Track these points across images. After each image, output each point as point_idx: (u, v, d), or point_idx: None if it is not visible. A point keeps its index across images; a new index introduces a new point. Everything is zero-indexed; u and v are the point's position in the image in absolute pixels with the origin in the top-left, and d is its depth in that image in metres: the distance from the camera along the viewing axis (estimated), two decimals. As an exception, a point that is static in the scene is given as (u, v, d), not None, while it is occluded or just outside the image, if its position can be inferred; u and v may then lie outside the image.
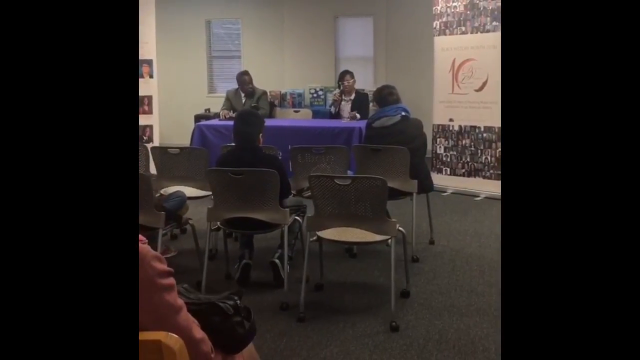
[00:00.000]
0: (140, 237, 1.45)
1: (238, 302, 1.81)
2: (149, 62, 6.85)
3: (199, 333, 1.49)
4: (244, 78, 6.63)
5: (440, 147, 6.43)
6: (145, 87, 6.78)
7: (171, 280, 1.43)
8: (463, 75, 6.15)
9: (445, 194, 6.16)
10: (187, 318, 1.47)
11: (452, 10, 6.23)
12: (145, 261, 1.35)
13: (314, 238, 3.36)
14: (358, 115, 6.28)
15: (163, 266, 1.40)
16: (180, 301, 1.46)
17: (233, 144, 3.84)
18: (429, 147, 5.38)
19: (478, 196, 6.01)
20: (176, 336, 1.35)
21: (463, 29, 6.15)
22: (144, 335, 1.34)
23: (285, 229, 3.48)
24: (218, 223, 3.63)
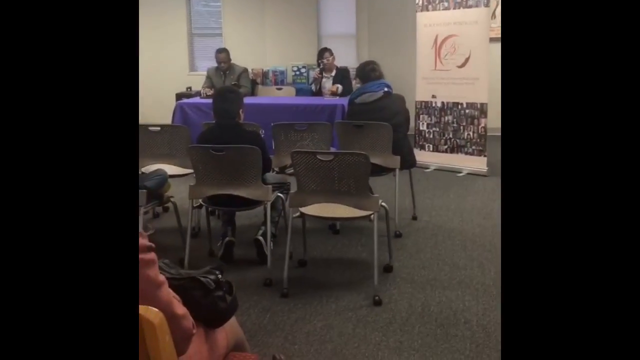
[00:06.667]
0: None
1: (219, 276, 1.80)
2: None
3: (180, 309, 1.48)
4: (218, 56, 6.62)
5: (423, 123, 6.44)
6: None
7: (152, 256, 1.41)
8: (445, 52, 6.13)
9: (428, 170, 6.18)
10: (168, 293, 1.46)
11: (435, -14, 6.19)
12: None
13: (297, 214, 3.36)
14: (340, 87, 6.25)
15: (144, 241, 1.39)
16: (161, 277, 1.45)
17: (214, 122, 3.81)
18: (412, 123, 5.39)
19: (460, 172, 6.04)
20: (156, 310, 1.34)
21: (446, 4, 6.12)
22: (123, 310, 1.34)
23: (268, 205, 3.47)
24: (200, 200, 3.61)
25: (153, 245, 1.43)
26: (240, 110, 3.61)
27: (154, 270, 1.42)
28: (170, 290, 1.53)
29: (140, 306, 1.34)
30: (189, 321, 1.50)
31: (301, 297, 3.21)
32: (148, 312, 1.32)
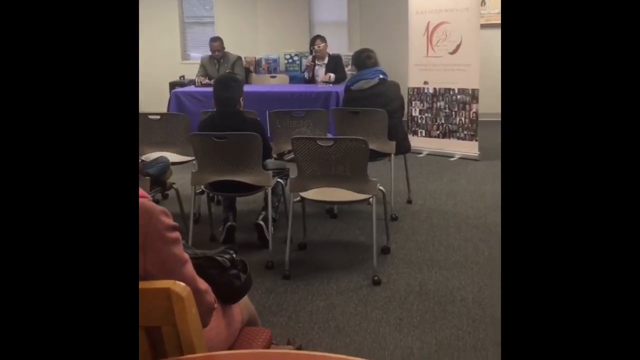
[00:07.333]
0: (144, 193, 1.53)
1: (234, 255, 1.90)
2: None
3: (203, 284, 1.58)
4: (212, 45, 6.69)
5: (415, 109, 6.54)
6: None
7: (177, 235, 1.50)
8: (437, 38, 6.23)
9: (420, 155, 6.30)
10: (192, 270, 1.56)
11: (426, -27, 6.27)
12: (154, 215, 1.43)
13: (297, 199, 3.46)
14: (332, 75, 6.33)
15: (170, 220, 1.48)
16: (185, 254, 1.54)
17: (213, 110, 3.88)
18: (405, 109, 5.49)
19: (453, 157, 6.17)
20: (183, 284, 1.43)
21: (437, -9, 6.20)
22: (153, 284, 1.43)
23: (269, 190, 3.56)
24: (202, 187, 3.70)
25: (177, 224, 1.53)
26: (241, 98, 3.69)
27: (179, 248, 1.51)
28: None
29: (168, 281, 1.44)
30: (211, 296, 1.60)
31: (303, 278, 3.32)
32: (176, 286, 1.42)
